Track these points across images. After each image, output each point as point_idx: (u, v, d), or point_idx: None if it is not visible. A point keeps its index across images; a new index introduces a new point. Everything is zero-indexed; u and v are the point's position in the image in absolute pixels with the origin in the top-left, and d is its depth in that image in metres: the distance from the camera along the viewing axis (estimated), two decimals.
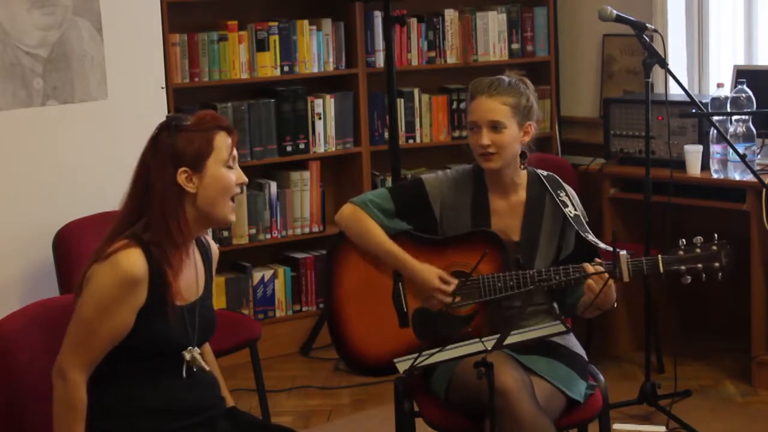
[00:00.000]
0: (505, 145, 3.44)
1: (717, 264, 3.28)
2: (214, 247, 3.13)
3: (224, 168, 2.92)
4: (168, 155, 2.87)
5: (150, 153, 2.90)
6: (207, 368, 2.99)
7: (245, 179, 2.98)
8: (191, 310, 2.95)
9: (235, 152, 2.95)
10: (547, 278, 3.36)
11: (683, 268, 3.29)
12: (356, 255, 3.59)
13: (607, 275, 3.22)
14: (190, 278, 2.96)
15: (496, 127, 3.44)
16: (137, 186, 2.91)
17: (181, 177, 2.87)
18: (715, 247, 3.29)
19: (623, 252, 3.30)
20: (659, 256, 3.30)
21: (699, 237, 3.31)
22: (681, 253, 3.30)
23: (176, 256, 2.88)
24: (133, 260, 2.81)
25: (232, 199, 2.96)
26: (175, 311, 2.88)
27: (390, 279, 3.56)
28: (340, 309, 3.61)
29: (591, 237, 3.44)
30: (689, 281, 3.29)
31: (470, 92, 3.51)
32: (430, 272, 3.48)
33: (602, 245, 3.41)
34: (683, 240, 3.31)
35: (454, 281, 3.46)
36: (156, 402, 2.89)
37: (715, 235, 3.31)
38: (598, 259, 3.32)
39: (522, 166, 3.53)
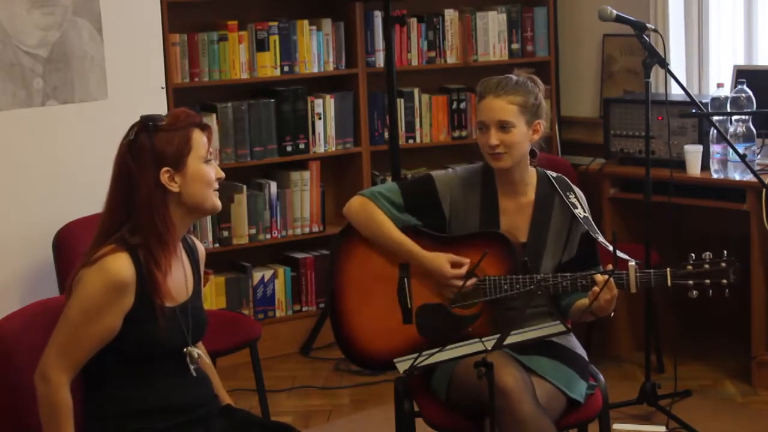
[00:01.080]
0: (514, 145, 3.45)
1: (725, 281, 3.29)
2: (200, 247, 3.14)
3: (203, 163, 2.94)
4: (148, 157, 2.88)
5: (129, 156, 2.90)
6: (198, 364, 3.00)
7: (222, 174, 3.00)
8: (183, 310, 2.96)
9: (211, 147, 2.98)
10: (553, 282, 3.37)
11: (691, 282, 3.29)
12: (361, 249, 3.59)
13: (608, 277, 3.22)
14: (179, 279, 2.98)
15: (504, 126, 3.44)
16: (119, 190, 2.92)
17: (164, 177, 2.89)
18: (724, 264, 3.29)
19: (632, 263, 3.30)
20: (668, 269, 3.31)
21: (708, 253, 3.31)
22: (690, 267, 3.31)
23: (165, 256, 2.89)
24: (121, 264, 2.83)
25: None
26: (165, 312, 2.89)
27: (395, 274, 3.56)
28: (343, 304, 3.61)
29: (601, 238, 3.44)
30: (696, 296, 3.29)
31: (478, 92, 3.51)
32: (439, 258, 3.48)
33: (611, 248, 3.39)
34: (693, 254, 3.32)
35: (466, 261, 3.46)
36: (149, 402, 2.90)
37: (725, 252, 3.31)
38: (610, 265, 3.31)
39: (532, 164, 3.54)
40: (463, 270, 3.45)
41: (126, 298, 2.84)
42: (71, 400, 2.84)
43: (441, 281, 3.49)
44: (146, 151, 2.88)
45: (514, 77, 3.50)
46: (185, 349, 2.95)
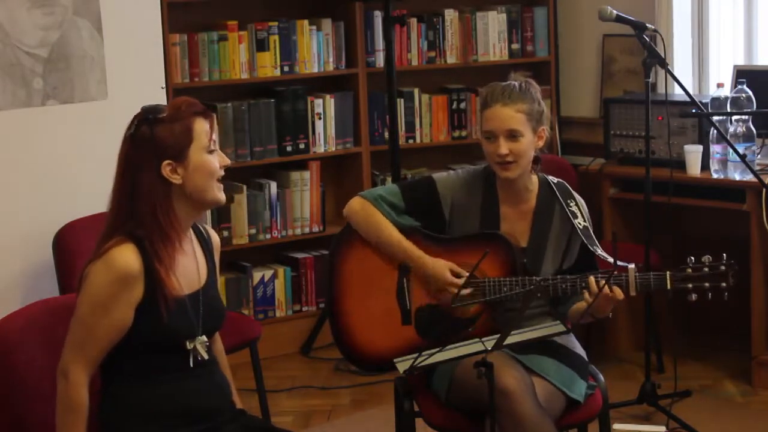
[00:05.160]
0: (522, 153, 3.43)
1: (724, 284, 3.29)
2: (215, 237, 3.11)
3: (206, 154, 2.90)
4: (150, 150, 2.85)
5: (131, 149, 2.88)
6: (206, 357, 2.95)
7: (228, 161, 2.97)
8: (194, 299, 2.93)
9: (214, 135, 2.93)
10: (552, 284, 3.36)
11: (690, 285, 3.29)
12: (360, 251, 3.58)
13: (603, 283, 3.22)
14: (190, 268, 2.95)
15: (513, 135, 3.41)
16: (122, 184, 2.89)
17: (166, 170, 2.86)
18: (723, 267, 3.29)
19: (632, 266, 3.29)
20: (668, 273, 3.30)
21: (707, 256, 3.30)
22: (689, 270, 3.30)
23: (167, 251, 2.86)
24: (127, 256, 2.81)
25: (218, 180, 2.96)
26: (173, 304, 2.85)
27: (394, 276, 3.55)
28: (342, 305, 3.60)
29: (600, 251, 3.42)
30: (695, 299, 3.29)
31: (483, 100, 3.48)
32: (441, 265, 3.47)
33: (610, 259, 3.38)
34: (692, 257, 3.31)
35: (465, 274, 3.45)
36: (164, 404, 2.88)
37: (724, 255, 3.31)
38: (610, 258, 3.30)
39: (532, 171, 3.52)
40: (462, 281, 3.43)
41: (134, 289, 2.82)
42: (88, 400, 2.83)
43: (439, 286, 3.48)
44: (147, 144, 2.85)
45: (516, 83, 3.47)
46: (195, 337, 2.92)
